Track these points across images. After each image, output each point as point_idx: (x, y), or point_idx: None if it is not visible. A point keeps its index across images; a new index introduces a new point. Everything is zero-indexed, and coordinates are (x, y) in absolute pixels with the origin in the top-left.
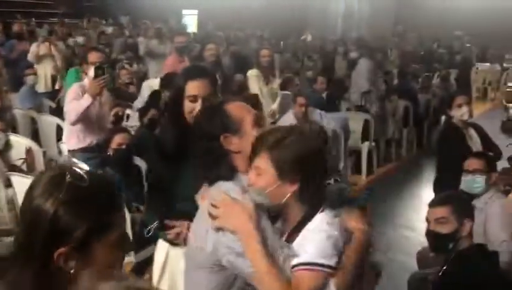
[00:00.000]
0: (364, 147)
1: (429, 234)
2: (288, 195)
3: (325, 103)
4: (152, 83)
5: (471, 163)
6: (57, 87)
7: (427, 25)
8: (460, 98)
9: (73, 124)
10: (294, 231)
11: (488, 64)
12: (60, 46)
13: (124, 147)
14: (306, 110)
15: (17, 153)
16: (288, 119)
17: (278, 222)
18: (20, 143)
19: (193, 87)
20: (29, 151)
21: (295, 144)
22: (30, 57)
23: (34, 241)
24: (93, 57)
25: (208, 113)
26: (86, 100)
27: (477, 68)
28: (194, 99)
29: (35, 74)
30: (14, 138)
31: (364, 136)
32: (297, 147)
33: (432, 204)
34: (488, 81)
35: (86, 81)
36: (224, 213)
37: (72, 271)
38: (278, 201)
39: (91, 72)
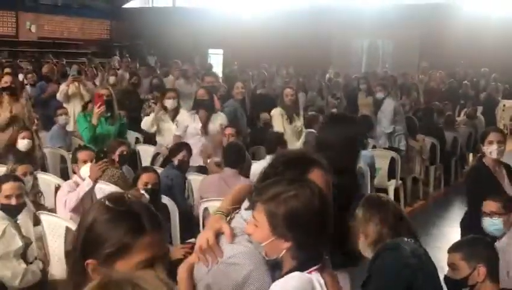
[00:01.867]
0: (391, 185)
1: (445, 279)
2: (284, 252)
3: None
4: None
5: (488, 205)
6: None
7: (452, 62)
8: (492, 134)
9: (72, 210)
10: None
11: None
12: (89, 86)
13: (149, 186)
14: None
15: (47, 192)
16: None
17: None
18: (50, 181)
19: None
20: (58, 188)
21: (290, 201)
22: (59, 96)
23: (74, 247)
24: (84, 155)
25: None
26: (88, 184)
27: (504, 105)
28: None
29: (66, 113)
30: (43, 176)
31: (391, 175)
32: (292, 205)
33: (448, 250)
34: None
35: (76, 179)
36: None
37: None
38: (275, 255)
39: (83, 169)
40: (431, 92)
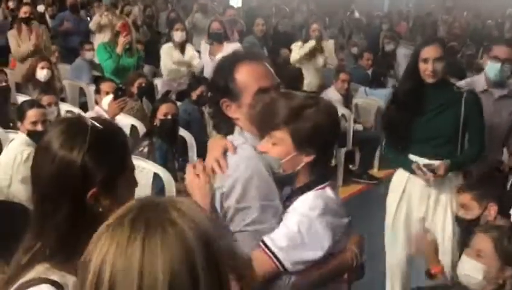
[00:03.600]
0: None
1: (456, 219)
2: (302, 164)
3: (371, 79)
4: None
5: (500, 50)
6: None
7: (479, 2)
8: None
9: None
10: (292, 196)
11: None
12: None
13: (169, 117)
14: (348, 86)
15: None
16: (330, 94)
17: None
18: (70, 112)
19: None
20: None
21: (314, 116)
22: (92, 26)
23: (64, 190)
24: (106, 87)
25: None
26: None
27: None
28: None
29: (93, 49)
30: (64, 107)
31: None
32: (317, 120)
33: (458, 191)
34: None
35: (98, 109)
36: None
37: (101, 210)
38: (291, 170)
39: (105, 99)
40: (454, 33)
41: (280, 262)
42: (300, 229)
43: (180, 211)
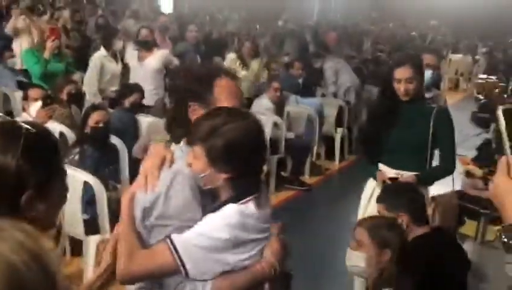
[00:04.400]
0: (338, 133)
1: None
2: (220, 181)
3: (301, 88)
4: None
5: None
6: None
7: (404, 14)
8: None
9: None
10: (215, 211)
11: (460, 55)
12: (37, 22)
13: (101, 125)
14: (281, 94)
15: None
16: (263, 102)
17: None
18: None
19: None
20: None
21: (228, 134)
22: (8, 29)
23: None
24: (34, 93)
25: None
26: None
27: (450, 59)
28: None
29: (13, 56)
30: None
31: (338, 123)
32: (230, 138)
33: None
34: (460, 72)
35: (25, 116)
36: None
37: (36, 213)
38: (212, 185)
39: (34, 106)
40: (380, 43)
41: (179, 256)
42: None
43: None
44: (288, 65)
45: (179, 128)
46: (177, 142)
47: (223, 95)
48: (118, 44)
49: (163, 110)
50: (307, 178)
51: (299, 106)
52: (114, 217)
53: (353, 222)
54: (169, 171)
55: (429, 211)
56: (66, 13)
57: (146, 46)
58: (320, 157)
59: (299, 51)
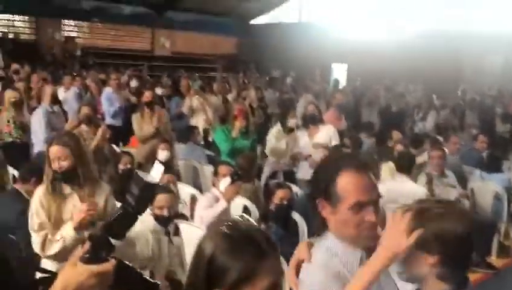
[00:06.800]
0: None
1: None
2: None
3: (486, 162)
4: None
5: None
6: (210, 139)
7: None
8: None
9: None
10: None
11: None
12: (210, 100)
13: (285, 202)
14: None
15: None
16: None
17: None
18: (184, 191)
19: None
20: (193, 199)
21: (438, 220)
22: (185, 109)
23: (196, 280)
24: (224, 170)
25: None
26: (221, 205)
27: None
28: None
29: (199, 133)
30: (180, 186)
31: None
32: (440, 224)
33: None
34: None
35: (215, 191)
36: None
37: None
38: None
39: (223, 182)
40: None
41: None
42: None
43: None
44: (473, 138)
45: (316, 222)
46: None
47: (350, 191)
48: (292, 122)
49: None
50: (493, 259)
51: (485, 182)
52: None
53: None
54: (314, 266)
55: None
56: (252, 93)
57: (313, 121)
58: (510, 239)
59: (482, 121)
